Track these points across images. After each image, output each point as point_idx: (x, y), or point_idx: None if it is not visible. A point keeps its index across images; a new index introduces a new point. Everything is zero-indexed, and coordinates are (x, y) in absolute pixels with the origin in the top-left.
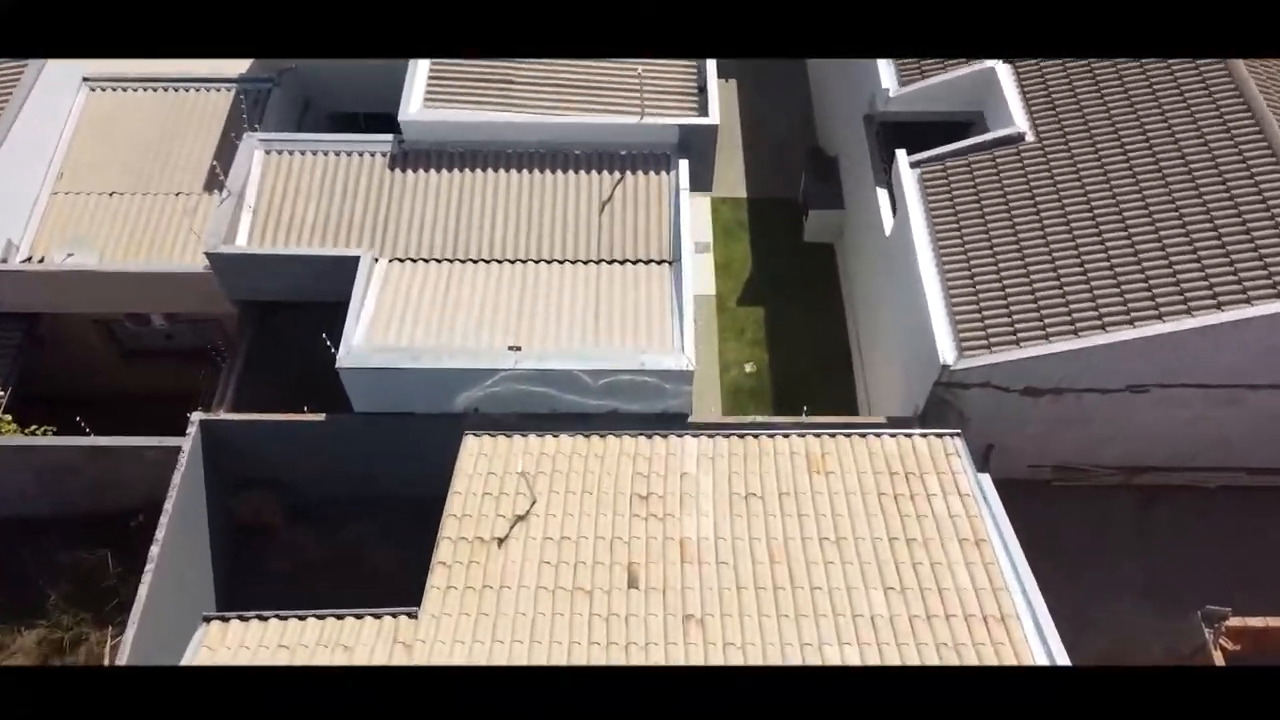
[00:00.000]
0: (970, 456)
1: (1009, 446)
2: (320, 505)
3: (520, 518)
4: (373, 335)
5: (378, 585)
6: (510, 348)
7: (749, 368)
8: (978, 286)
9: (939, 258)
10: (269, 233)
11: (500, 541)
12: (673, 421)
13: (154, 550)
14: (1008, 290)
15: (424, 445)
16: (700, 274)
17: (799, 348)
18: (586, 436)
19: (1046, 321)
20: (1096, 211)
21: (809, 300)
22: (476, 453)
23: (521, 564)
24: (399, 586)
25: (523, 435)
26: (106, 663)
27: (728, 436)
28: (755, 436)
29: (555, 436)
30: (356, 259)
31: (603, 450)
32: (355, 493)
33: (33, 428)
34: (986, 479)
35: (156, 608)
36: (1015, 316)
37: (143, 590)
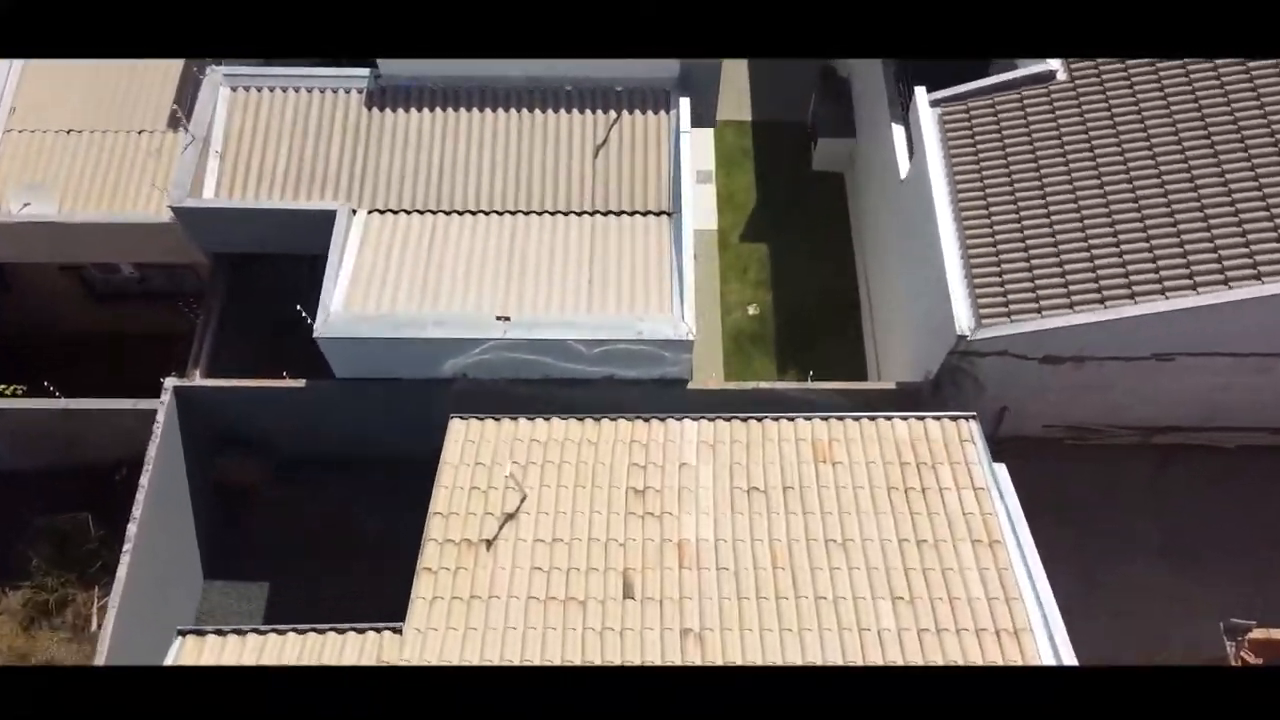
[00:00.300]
0: (986, 443)
1: (1025, 409)
2: (305, 465)
3: (510, 516)
4: (352, 300)
5: (365, 553)
6: (498, 318)
7: (752, 310)
8: (999, 247)
9: (958, 213)
10: (238, 182)
11: (489, 544)
12: (672, 387)
13: (131, 529)
14: (1031, 252)
15: (411, 408)
16: (701, 207)
17: (804, 289)
18: (580, 420)
19: (1071, 288)
20: (1131, 166)
21: (816, 236)
22: (463, 439)
23: (511, 570)
24: (387, 552)
25: (512, 419)
26: (94, 625)
27: (729, 420)
28: (759, 420)
29: (546, 420)
30: (333, 213)
31: (596, 436)
32: (341, 452)
33: (1, 387)
34: (1002, 469)
35: (139, 583)
36: (1038, 282)
37: (122, 571)
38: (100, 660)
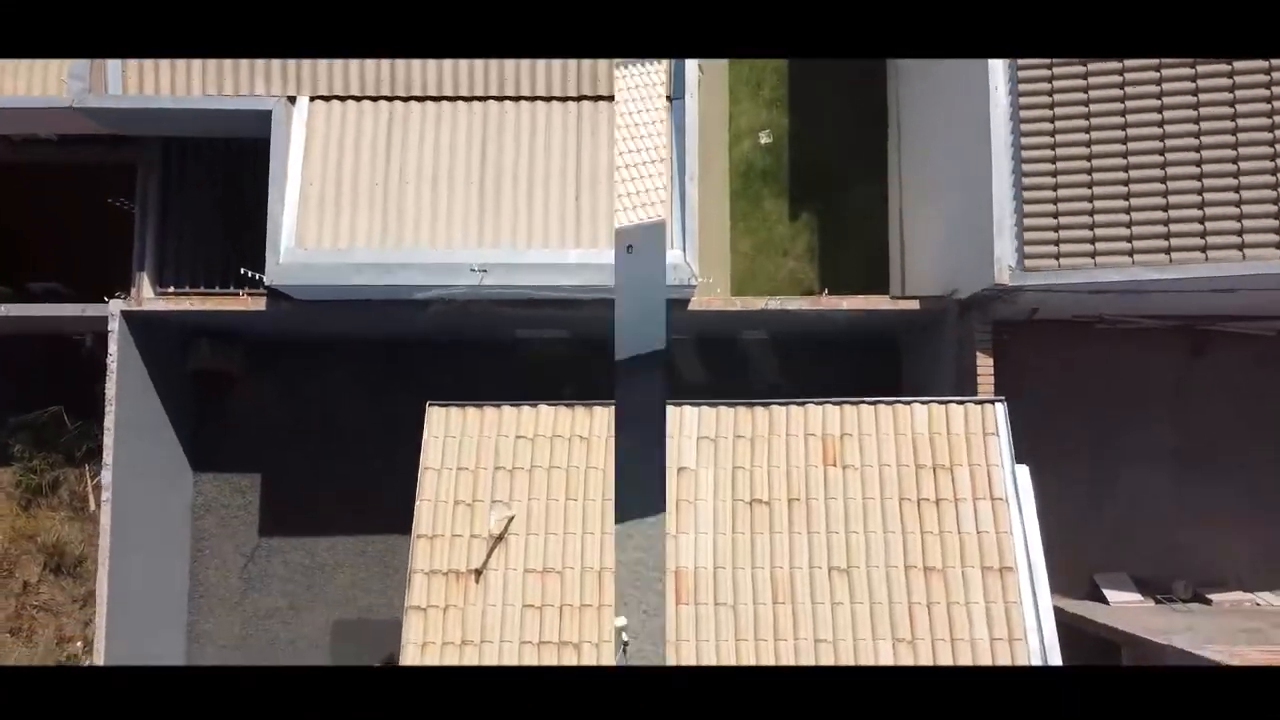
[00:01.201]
0: (1010, 436)
1: (1058, 308)
2: (283, 352)
3: (499, 538)
4: (303, 234)
5: (354, 435)
6: (473, 269)
7: (764, 138)
8: (1058, 170)
9: (1016, 125)
10: (149, 66)
11: (478, 574)
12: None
13: (105, 477)
14: (1095, 184)
15: (385, 321)
16: None
17: (827, 115)
18: (569, 407)
19: (1135, 232)
20: (1238, 92)
21: None
22: (443, 435)
23: (501, 608)
24: (377, 435)
25: (494, 407)
26: (93, 504)
27: (732, 407)
28: (765, 407)
29: (533, 407)
30: (269, 114)
31: (588, 428)
32: (320, 339)
33: None
34: (1024, 472)
35: (129, 473)
36: (1097, 219)
37: (105, 519)
38: (105, 547)
